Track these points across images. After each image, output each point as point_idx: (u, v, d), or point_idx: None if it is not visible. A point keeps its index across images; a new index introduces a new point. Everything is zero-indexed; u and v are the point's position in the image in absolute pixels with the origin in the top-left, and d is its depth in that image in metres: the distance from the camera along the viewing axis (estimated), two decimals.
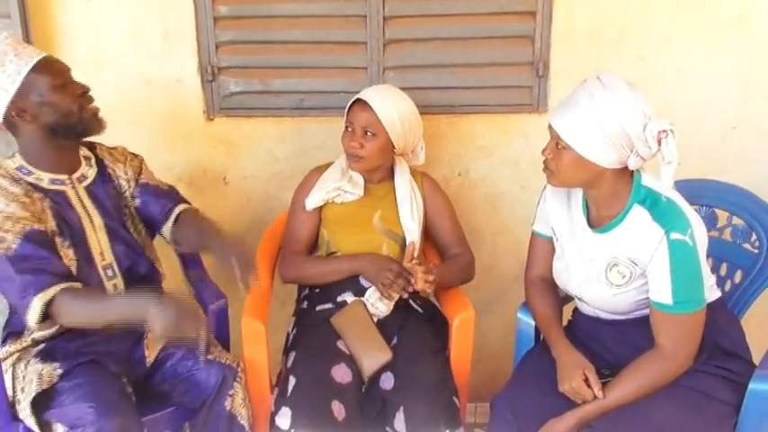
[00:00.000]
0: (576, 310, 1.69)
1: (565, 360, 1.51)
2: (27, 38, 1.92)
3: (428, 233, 1.95)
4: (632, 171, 1.46)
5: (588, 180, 1.45)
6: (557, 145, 1.43)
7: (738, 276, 1.77)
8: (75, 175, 1.63)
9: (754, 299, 1.73)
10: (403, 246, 1.83)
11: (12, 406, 1.55)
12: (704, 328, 1.46)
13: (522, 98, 2.09)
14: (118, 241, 1.65)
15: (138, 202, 1.74)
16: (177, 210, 1.74)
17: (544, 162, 1.48)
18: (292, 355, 1.70)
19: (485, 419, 1.61)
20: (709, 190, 1.83)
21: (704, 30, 2.01)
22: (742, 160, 2.09)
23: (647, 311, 1.48)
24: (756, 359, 1.54)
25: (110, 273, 1.63)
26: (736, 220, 1.79)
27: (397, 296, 1.73)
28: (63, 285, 1.45)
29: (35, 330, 1.55)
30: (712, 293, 1.53)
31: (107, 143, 1.72)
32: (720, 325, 1.51)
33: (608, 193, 1.46)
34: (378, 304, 1.74)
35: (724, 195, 1.81)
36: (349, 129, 1.81)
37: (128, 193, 1.72)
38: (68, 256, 1.56)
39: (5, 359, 1.58)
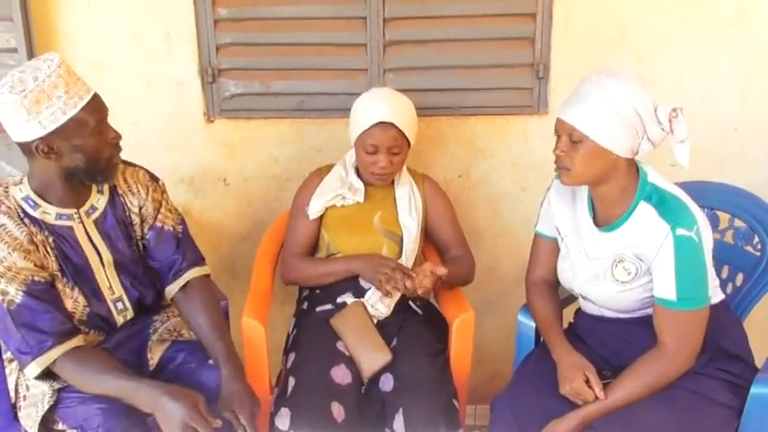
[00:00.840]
0: (578, 310, 1.69)
1: (565, 362, 1.51)
2: (29, 41, 1.93)
3: (429, 235, 1.95)
4: (638, 169, 1.47)
5: (603, 173, 1.43)
6: (570, 139, 1.42)
7: (740, 279, 1.76)
8: (84, 209, 1.53)
9: (756, 302, 1.72)
10: (402, 246, 1.83)
11: (14, 407, 1.55)
12: (707, 330, 1.46)
13: (523, 100, 2.09)
14: (126, 274, 1.60)
15: (149, 245, 1.63)
16: (187, 276, 1.64)
17: (557, 160, 1.46)
18: (292, 356, 1.70)
19: (484, 421, 1.61)
20: (711, 192, 1.82)
21: (704, 30, 2.01)
22: (743, 161, 2.08)
23: (650, 310, 1.47)
24: (759, 362, 1.53)
25: (120, 306, 1.61)
26: (738, 223, 1.78)
27: (397, 294, 1.71)
28: (63, 349, 1.41)
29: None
30: (716, 295, 1.52)
31: None
32: (723, 327, 1.51)
33: (617, 188, 1.46)
34: (378, 305, 1.74)
35: (725, 197, 1.80)
36: (369, 151, 1.78)
37: (138, 230, 1.62)
38: (73, 296, 1.51)
39: (11, 362, 1.58)
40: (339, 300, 1.79)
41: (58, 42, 2.03)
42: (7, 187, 1.49)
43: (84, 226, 1.53)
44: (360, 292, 1.78)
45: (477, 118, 2.10)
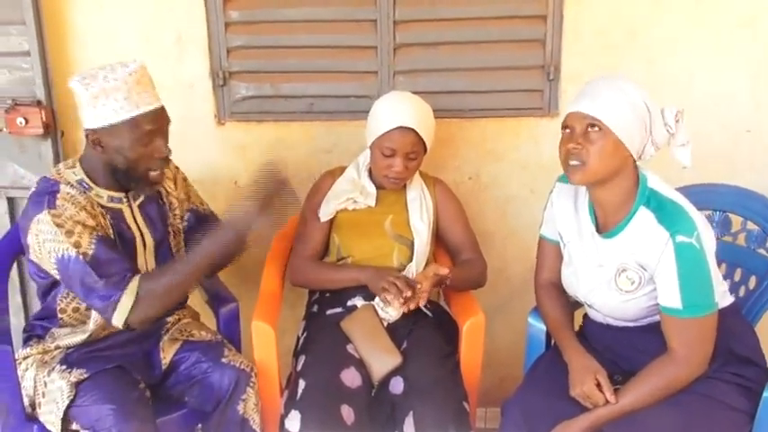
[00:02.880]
0: (585, 316, 1.68)
1: (576, 364, 1.50)
2: (41, 44, 1.95)
3: (440, 238, 1.95)
4: (638, 175, 1.46)
5: (615, 169, 1.42)
6: (587, 130, 1.41)
7: (753, 282, 1.75)
8: (131, 193, 1.62)
9: None
10: (413, 250, 1.83)
11: (28, 406, 1.57)
12: (718, 335, 1.45)
13: (533, 102, 2.08)
14: (163, 261, 1.66)
15: (186, 225, 1.76)
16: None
17: (571, 155, 1.43)
18: (302, 359, 1.70)
19: (495, 424, 1.61)
20: (723, 194, 1.81)
21: (714, 32, 1.99)
22: (755, 164, 2.07)
23: (657, 318, 1.46)
24: None
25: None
26: (751, 225, 1.77)
27: (398, 304, 1.69)
28: (139, 275, 1.48)
29: (66, 336, 1.58)
30: (725, 299, 1.51)
31: None
32: (734, 331, 1.50)
33: (621, 192, 1.45)
34: (388, 309, 1.73)
35: (738, 200, 1.79)
36: (386, 154, 1.78)
37: (178, 212, 1.73)
38: None
39: (26, 359, 1.60)
40: (349, 303, 1.79)
41: (69, 44, 2.04)
42: (60, 170, 1.57)
43: (131, 209, 1.62)
44: (370, 296, 1.77)
45: (487, 120, 2.10)
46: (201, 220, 1.76)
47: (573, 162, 1.43)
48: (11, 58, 1.98)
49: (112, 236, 1.55)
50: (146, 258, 1.63)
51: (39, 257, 1.49)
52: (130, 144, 1.49)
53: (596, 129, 1.40)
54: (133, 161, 1.51)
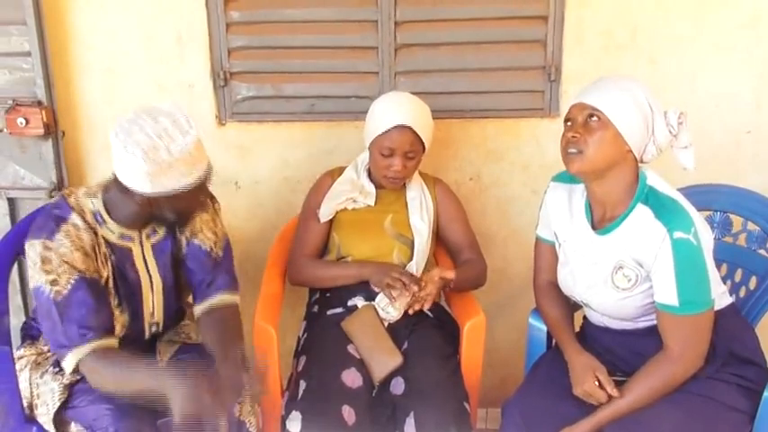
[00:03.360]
0: (584, 319, 1.68)
1: (576, 363, 1.51)
2: (42, 45, 1.94)
3: (440, 238, 1.95)
4: (638, 173, 1.47)
5: (611, 162, 1.42)
6: (587, 120, 1.42)
7: (753, 282, 1.75)
8: (146, 231, 1.55)
9: None
10: (413, 249, 1.83)
11: (26, 407, 1.56)
12: (718, 336, 1.45)
13: (534, 102, 2.08)
14: (170, 300, 1.63)
15: (186, 260, 1.62)
16: (212, 301, 1.61)
17: (570, 143, 1.44)
18: (303, 360, 1.70)
19: (496, 425, 1.61)
20: (724, 195, 1.81)
21: (717, 33, 1.99)
22: (757, 165, 2.07)
23: (654, 320, 1.46)
24: None
25: (154, 328, 1.64)
26: (751, 226, 1.77)
27: (404, 300, 1.70)
28: (96, 344, 1.42)
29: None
30: (723, 300, 1.51)
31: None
32: (734, 332, 1.50)
33: (619, 187, 1.45)
34: (388, 309, 1.73)
35: (739, 200, 1.79)
36: (385, 154, 1.78)
37: (184, 242, 1.61)
38: (119, 320, 1.53)
39: (20, 359, 1.59)
40: (350, 303, 1.79)
41: (70, 45, 2.04)
42: (79, 197, 1.50)
43: (142, 248, 1.55)
44: (371, 296, 1.77)
45: (488, 121, 2.10)
46: (203, 268, 1.61)
47: (571, 150, 1.44)
48: (12, 58, 1.98)
49: (109, 280, 1.49)
50: (153, 300, 1.59)
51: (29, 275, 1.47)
52: (186, 202, 1.45)
53: (596, 119, 1.42)
54: (184, 214, 1.49)
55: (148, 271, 1.57)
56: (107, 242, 1.50)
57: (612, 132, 1.41)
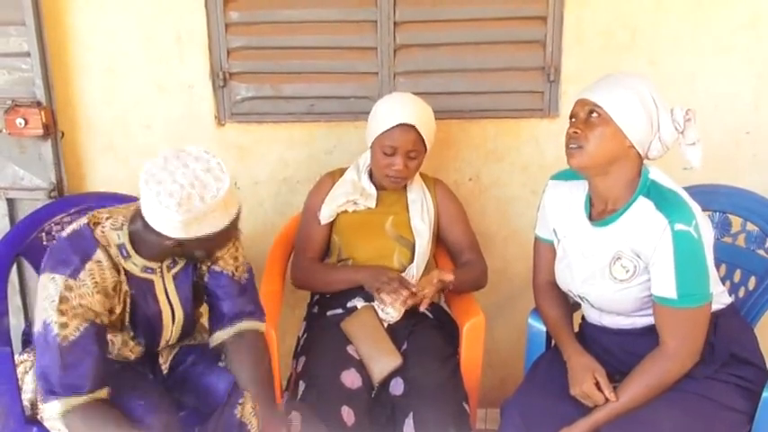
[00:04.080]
0: (583, 319, 1.68)
1: (575, 363, 1.51)
2: (41, 45, 1.94)
3: (441, 239, 1.95)
4: (641, 169, 1.47)
5: (613, 157, 1.43)
6: (589, 116, 1.43)
7: (752, 283, 1.75)
8: (166, 263, 1.53)
9: None
10: (414, 251, 1.83)
11: (29, 408, 1.56)
12: (717, 336, 1.45)
13: (534, 103, 2.08)
14: (187, 328, 1.63)
15: (207, 288, 1.60)
16: (239, 327, 1.59)
17: (571, 138, 1.45)
18: (302, 360, 1.70)
19: (495, 425, 1.61)
20: (723, 195, 1.81)
21: (716, 34, 1.99)
22: (756, 166, 2.07)
23: (650, 318, 1.46)
24: None
25: (165, 352, 1.66)
26: (750, 226, 1.77)
27: (398, 305, 1.69)
28: (87, 398, 1.40)
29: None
30: (723, 300, 1.51)
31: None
32: (733, 332, 1.50)
33: (620, 183, 1.46)
34: (388, 310, 1.73)
35: (738, 201, 1.79)
36: (387, 153, 1.78)
37: (204, 272, 1.59)
38: (130, 346, 1.55)
39: (23, 362, 1.59)
40: (350, 304, 1.79)
41: (70, 46, 2.04)
42: (105, 229, 1.46)
43: (163, 280, 1.54)
44: (370, 297, 1.77)
45: (487, 121, 2.10)
46: (227, 293, 1.60)
47: (572, 145, 1.45)
48: (11, 58, 1.98)
49: (125, 314, 1.48)
50: (172, 329, 1.58)
51: (36, 301, 1.44)
52: (216, 243, 1.43)
53: (596, 115, 1.42)
54: (211, 254, 1.50)
55: (170, 302, 1.55)
56: (129, 276, 1.48)
57: (613, 128, 1.41)
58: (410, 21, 2.02)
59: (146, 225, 1.39)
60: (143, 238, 1.43)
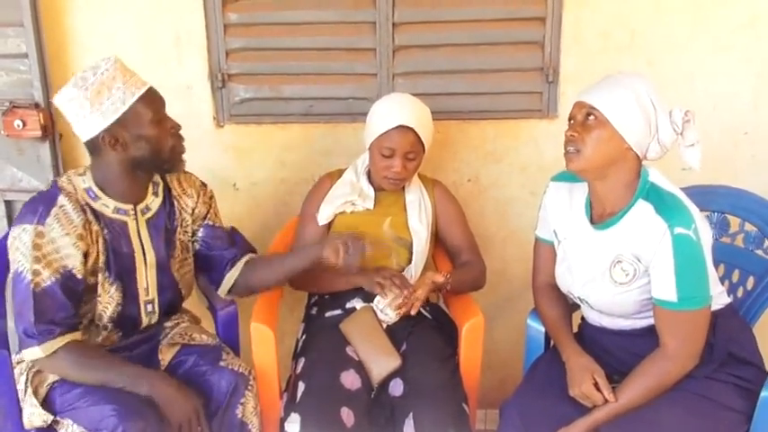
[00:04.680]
0: (582, 319, 1.68)
1: (573, 364, 1.51)
2: (40, 46, 1.94)
3: (439, 240, 1.95)
4: (640, 170, 1.47)
5: (610, 160, 1.43)
6: (586, 119, 1.43)
7: (751, 283, 1.75)
8: (140, 206, 1.60)
9: (767, 305, 1.71)
10: (411, 251, 1.83)
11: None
12: (716, 336, 1.45)
13: (532, 104, 2.08)
14: (164, 278, 1.66)
15: (200, 244, 1.72)
16: (244, 259, 1.74)
17: (569, 142, 1.45)
18: (302, 361, 1.70)
19: (495, 426, 1.61)
20: (721, 196, 1.82)
21: (715, 34, 2.00)
22: (755, 166, 2.07)
23: (650, 320, 1.46)
24: None
25: (149, 308, 1.65)
26: (749, 227, 1.77)
27: (396, 301, 1.69)
28: (66, 340, 1.46)
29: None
30: (721, 300, 1.52)
31: None
32: (732, 332, 1.50)
33: (619, 185, 1.46)
34: (387, 311, 1.73)
35: (736, 201, 1.79)
36: (386, 155, 1.78)
37: (189, 230, 1.70)
38: (110, 292, 1.57)
39: (19, 363, 1.59)
40: (348, 305, 1.79)
41: (68, 46, 2.04)
42: (70, 176, 1.56)
43: (137, 223, 1.59)
44: (369, 298, 1.77)
45: (486, 122, 2.10)
46: (216, 237, 1.73)
47: (569, 148, 1.45)
48: (8, 60, 1.98)
49: (100, 256, 1.53)
50: (146, 274, 1.62)
51: (9, 259, 1.50)
52: (148, 125, 1.49)
53: (593, 117, 1.42)
54: (157, 143, 1.51)
55: (143, 247, 1.60)
56: (102, 217, 1.54)
57: (609, 130, 1.41)
58: (409, 22, 2.02)
59: (90, 149, 1.51)
60: (100, 171, 1.54)
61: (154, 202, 1.63)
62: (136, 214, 1.59)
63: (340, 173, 1.92)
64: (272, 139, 2.13)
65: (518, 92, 2.08)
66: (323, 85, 2.08)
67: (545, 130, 2.09)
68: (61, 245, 1.46)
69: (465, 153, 2.13)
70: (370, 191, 1.86)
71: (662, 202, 1.41)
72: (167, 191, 1.67)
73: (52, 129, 2.01)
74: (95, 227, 1.53)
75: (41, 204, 1.48)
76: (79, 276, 1.49)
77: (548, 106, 2.08)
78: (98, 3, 2.02)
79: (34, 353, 1.45)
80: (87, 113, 1.45)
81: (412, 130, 1.75)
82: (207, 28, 2.03)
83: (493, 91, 2.07)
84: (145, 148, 1.51)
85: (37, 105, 1.97)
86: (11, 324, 1.69)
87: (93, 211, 1.54)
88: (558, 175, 1.65)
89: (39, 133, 1.97)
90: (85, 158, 2.09)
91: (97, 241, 1.53)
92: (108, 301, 1.57)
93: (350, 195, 1.84)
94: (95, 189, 1.55)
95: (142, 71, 2.04)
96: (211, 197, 1.76)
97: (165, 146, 1.54)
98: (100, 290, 1.55)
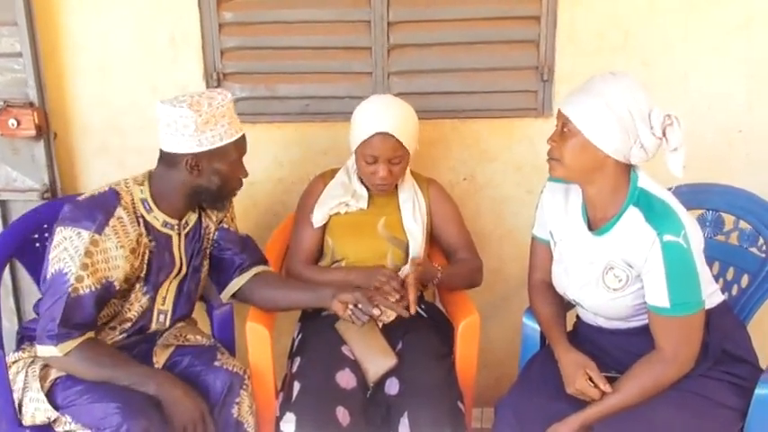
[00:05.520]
0: (577, 317, 1.69)
1: (566, 360, 1.51)
2: (34, 45, 1.93)
3: (435, 239, 1.94)
4: (628, 175, 1.46)
5: (590, 170, 1.43)
6: (563, 129, 1.43)
7: (745, 281, 1.76)
8: (183, 222, 1.65)
9: (762, 302, 1.72)
10: (407, 251, 1.83)
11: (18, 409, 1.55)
12: (710, 334, 1.46)
13: (527, 102, 2.09)
14: (183, 291, 1.69)
15: (215, 246, 1.74)
16: (255, 270, 1.75)
17: (549, 151, 1.47)
18: (297, 361, 1.70)
19: (490, 424, 1.61)
20: (716, 194, 1.82)
21: (709, 34, 2.00)
22: (749, 165, 2.08)
23: (645, 320, 1.47)
24: (763, 363, 1.53)
25: (161, 318, 1.67)
26: (743, 224, 1.78)
27: (390, 313, 1.66)
28: (82, 339, 1.49)
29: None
30: (714, 298, 1.52)
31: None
32: (725, 330, 1.50)
33: (607, 191, 1.46)
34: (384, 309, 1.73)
35: (730, 199, 1.80)
36: (369, 162, 1.77)
37: (210, 237, 1.74)
38: (140, 301, 1.61)
39: (17, 362, 1.59)
40: None
41: (63, 46, 2.04)
42: (129, 184, 1.60)
43: (179, 238, 1.65)
44: None
45: (481, 121, 2.10)
46: (228, 241, 1.75)
47: (550, 158, 1.47)
48: (3, 59, 1.97)
49: (143, 269, 1.57)
50: (169, 285, 1.66)
51: (51, 255, 1.50)
52: (230, 164, 1.57)
53: (567, 129, 1.42)
54: (226, 182, 1.59)
55: (181, 260, 1.65)
56: (152, 230, 1.59)
57: (582, 141, 1.40)
58: (404, 21, 2.02)
59: (164, 161, 1.56)
60: (161, 185, 1.59)
61: (191, 217, 1.68)
62: (180, 229, 1.64)
63: (333, 173, 1.92)
64: (268, 139, 2.13)
65: (513, 91, 2.08)
66: (318, 84, 2.08)
67: (540, 129, 2.09)
68: (112, 256, 1.50)
69: (460, 152, 2.13)
70: (363, 191, 1.86)
71: (651, 209, 1.41)
72: (201, 208, 1.71)
73: (47, 128, 2.00)
74: (145, 239, 1.57)
75: (100, 212, 1.50)
76: (117, 287, 1.53)
77: (543, 105, 2.08)
78: (92, 2, 2.01)
79: (50, 350, 1.47)
80: (188, 134, 1.50)
81: (392, 135, 1.73)
82: (202, 27, 2.03)
83: (488, 90, 2.07)
84: (215, 182, 1.57)
85: (31, 104, 1.96)
86: (6, 324, 1.69)
87: (146, 223, 1.58)
88: None
89: (33, 133, 1.96)
90: (85, 158, 2.13)
91: (144, 254, 1.57)
92: (137, 309, 1.60)
93: (343, 196, 1.84)
94: (150, 201, 1.59)
95: (137, 71, 2.06)
96: (231, 203, 1.77)
97: (231, 187, 1.62)
98: (133, 298, 1.58)
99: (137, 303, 1.60)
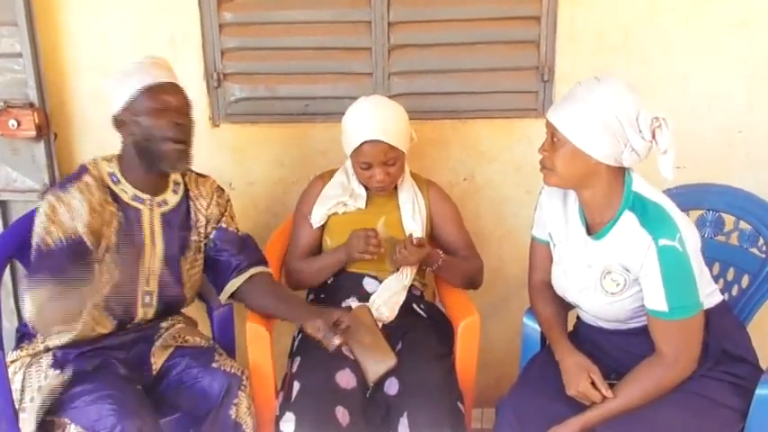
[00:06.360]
0: (578, 318, 1.69)
1: (568, 363, 1.51)
2: (34, 46, 1.94)
3: (435, 239, 1.94)
4: (625, 177, 1.46)
5: (583, 176, 1.43)
6: (552, 139, 1.43)
7: (745, 281, 1.76)
8: (157, 199, 1.66)
9: (762, 303, 1.72)
10: None
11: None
12: (710, 334, 1.45)
13: (528, 103, 2.09)
14: (171, 274, 1.68)
15: (211, 246, 1.74)
16: (251, 271, 1.74)
17: (541, 161, 1.47)
18: (297, 361, 1.70)
19: (491, 425, 1.61)
20: (716, 194, 1.82)
21: (709, 34, 2.00)
22: (749, 165, 2.08)
23: (645, 321, 1.47)
24: (764, 364, 1.53)
25: (147, 299, 1.66)
26: (743, 225, 1.78)
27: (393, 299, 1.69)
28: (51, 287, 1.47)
29: (46, 336, 1.58)
30: (713, 299, 1.52)
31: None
32: (725, 330, 1.50)
33: (601, 195, 1.45)
34: (382, 309, 1.74)
35: (731, 200, 1.80)
36: (363, 167, 1.78)
37: (202, 231, 1.74)
38: (110, 271, 1.58)
39: (15, 361, 1.59)
40: (344, 304, 1.79)
41: (62, 46, 2.04)
42: (97, 161, 1.65)
43: (151, 214, 1.65)
44: (365, 297, 1.78)
45: (481, 121, 2.10)
46: (226, 241, 1.75)
47: (542, 166, 1.47)
48: (3, 59, 1.97)
49: (114, 236, 1.58)
50: (150, 264, 1.64)
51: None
52: (145, 113, 1.55)
53: (558, 136, 1.42)
54: (148, 129, 1.56)
55: (153, 237, 1.65)
56: (120, 200, 1.62)
57: (571, 150, 1.40)
58: (404, 21, 2.02)
59: (115, 125, 1.59)
60: (124, 158, 1.63)
61: (173, 198, 1.69)
62: (152, 205, 1.65)
63: (331, 174, 1.92)
64: (268, 139, 2.13)
65: (513, 91, 2.08)
66: (319, 85, 2.08)
67: (540, 130, 2.04)
68: (75, 208, 1.53)
69: (460, 152, 2.14)
70: (362, 191, 1.86)
71: (645, 214, 1.40)
72: (186, 191, 1.72)
73: (47, 128, 2.01)
74: (112, 207, 1.59)
75: (68, 181, 1.59)
76: (88, 245, 1.53)
77: (543, 105, 2.08)
78: (92, 2, 2.02)
79: (26, 302, 1.47)
80: (110, 95, 1.58)
81: (381, 141, 1.73)
82: (202, 27, 2.03)
83: (488, 90, 2.07)
84: (139, 139, 1.57)
85: (31, 105, 1.97)
86: (6, 324, 1.69)
87: (113, 194, 1.61)
88: None
89: (33, 133, 1.96)
90: (85, 158, 2.10)
91: (111, 222, 1.58)
92: (107, 280, 1.57)
93: (341, 196, 1.84)
94: (118, 174, 1.63)
95: None
96: (227, 201, 1.79)
97: (155, 137, 1.57)
98: (104, 268, 1.57)
99: (106, 274, 1.56)
